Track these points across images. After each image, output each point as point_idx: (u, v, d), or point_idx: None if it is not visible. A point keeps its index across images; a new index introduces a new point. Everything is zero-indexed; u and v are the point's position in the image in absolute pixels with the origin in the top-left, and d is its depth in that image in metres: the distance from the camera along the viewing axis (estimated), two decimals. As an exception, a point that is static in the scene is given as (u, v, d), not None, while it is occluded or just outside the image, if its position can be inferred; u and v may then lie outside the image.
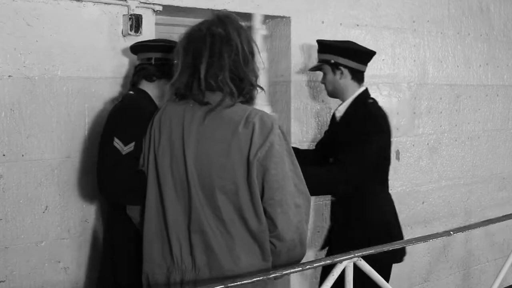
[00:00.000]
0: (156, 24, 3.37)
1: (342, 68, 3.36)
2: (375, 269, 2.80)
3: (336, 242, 3.42)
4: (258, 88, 2.46)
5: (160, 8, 3.32)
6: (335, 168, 3.23)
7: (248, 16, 3.83)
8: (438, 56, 4.87)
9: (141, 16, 3.19)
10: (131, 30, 3.16)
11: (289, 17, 3.85)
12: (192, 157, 2.35)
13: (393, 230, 3.40)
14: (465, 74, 5.11)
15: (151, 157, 2.46)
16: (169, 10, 3.44)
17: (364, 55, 3.44)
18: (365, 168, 3.22)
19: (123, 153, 2.70)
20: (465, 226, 3.89)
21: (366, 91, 3.43)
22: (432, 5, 4.78)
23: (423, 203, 4.67)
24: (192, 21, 3.82)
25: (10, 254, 2.92)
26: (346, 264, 2.67)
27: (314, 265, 2.62)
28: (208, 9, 3.49)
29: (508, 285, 5.60)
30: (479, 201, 5.35)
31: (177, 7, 3.40)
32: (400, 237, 3.41)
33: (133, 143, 2.70)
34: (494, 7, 5.30)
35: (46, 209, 3.01)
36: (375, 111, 3.35)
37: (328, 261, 2.66)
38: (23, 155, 2.93)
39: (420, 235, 3.75)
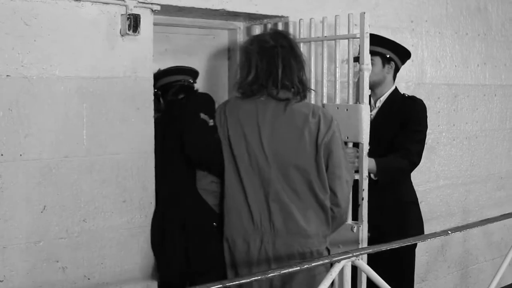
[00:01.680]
0: (154, 24, 3.37)
1: (392, 63, 3.69)
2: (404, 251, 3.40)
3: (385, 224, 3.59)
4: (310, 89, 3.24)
5: (158, 7, 3.31)
6: (404, 156, 3.56)
7: (246, 16, 3.84)
8: (436, 56, 4.88)
9: (139, 16, 3.19)
10: (129, 30, 3.16)
11: (287, 16, 3.85)
12: (267, 142, 2.97)
13: (419, 207, 3.88)
14: (463, 73, 5.12)
15: (224, 140, 3.06)
16: (167, 9, 3.44)
17: (407, 57, 3.79)
18: (421, 156, 3.68)
19: (209, 124, 3.22)
20: (463, 226, 3.90)
21: (397, 88, 3.78)
22: (430, 4, 4.79)
23: (421, 202, 4.65)
24: (191, 21, 3.85)
25: (8, 254, 2.92)
26: (344, 263, 2.68)
27: (312, 264, 2.63)
28: (207, 8, 3.49)
29: (506, 284, 5.61)
30: (477, 200, 5.36)
31: (175, 6, 3.40)
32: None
33: (213, 120, 3.21)
34: (492, 7, 5.30)
35: (44, 209, 3.01)
36: (423, 103, 3.73)
37: (327, 260, 2.66)
38: (21, 155, 2.93)
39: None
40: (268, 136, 2.98)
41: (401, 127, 3.62)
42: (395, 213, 3.65)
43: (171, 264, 3.34)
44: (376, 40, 3.59)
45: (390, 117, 3.68)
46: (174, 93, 3.66)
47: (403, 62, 3.81)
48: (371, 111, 3.70)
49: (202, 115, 3.27)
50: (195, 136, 3.24)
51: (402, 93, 3.80)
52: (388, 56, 3.68)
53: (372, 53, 3.53)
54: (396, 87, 3.78)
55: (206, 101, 3.40)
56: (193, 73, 3.82)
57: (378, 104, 3.74)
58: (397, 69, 3.77)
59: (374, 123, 3.59)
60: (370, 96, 3.70)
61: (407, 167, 3.63)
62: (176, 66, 3.77)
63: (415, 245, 3.78)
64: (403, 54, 3.78)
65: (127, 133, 3.24)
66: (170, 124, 3.41)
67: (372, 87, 3.66)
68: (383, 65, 3.68)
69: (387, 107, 3.71)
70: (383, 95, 3.73)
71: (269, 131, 2.98)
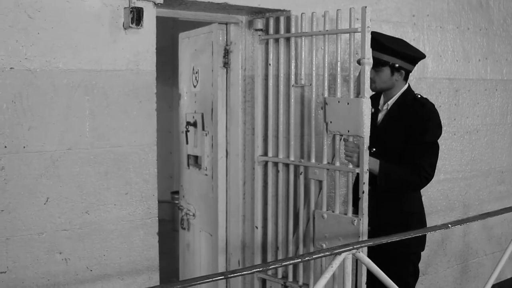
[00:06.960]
0: (157, 17, 3.38)
1: (402, 71, 3.57)
2: (410, 259, 3.62)
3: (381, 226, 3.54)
4: None
5: (161, 1, 3.32)
6: (415, 171, 3.46)
7: (248, 9, 3.85)
8: (437, 50, 4.88)
9: (142, 9, 3.20)
10: (132, 23, 3.17)
11: (289, 10, 3.86)
12: None
13: (423, 218, 3.74)
14: (464, 68, 5.13)
15: None
16: (170, 3, 3.45)
17: (417, 59, 3.65)
18: (434, 168, 3.53)
19: None
20: (463, 219, 3.91)
21: (409, 86, 3.67)
22: (431, -1, 4.79)
23: (422, 196, 4.69)
24: (193, 14, 3.86)
25: (12, 245, 2.94)
26: (345, 256, 2.70)
27: (314, 256, 2.64)
28: (209, 2, 3.50)
29: (505, 278, 5.63)
30: (477, 194, 5.38)
31: (178, 0, 3.41)
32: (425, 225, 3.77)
33: None
34: (494, 2, 5.31)
35: (47, 201, 3.03)
36: (433, 108, 3.59)
37: (327, 253, 2.68)
38: (24, 147, 2.95)
39: (418, 228, 3.77)
40: None
41: (408, 134, 3.49)
42: (394, 222, 3.54)
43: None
44: (382, 48, 3.50)
45: (396, 121, 3.57)
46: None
47: (414, 65, 3.66)
48: (379, 113, 3.66)
49: None
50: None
51: (415, 93, 3.65)
52: (397, 65, 3.53)
53: (381, 63, 3.49)
54: (409, 85, 3.65)
55: None
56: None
57: (386, 107, 3.64)
58: (409, 72, 3.63)
59: (380, 126, 3.59)
60: (382, 95, 3.67)
61: (417, 182, 3.51)
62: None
63: (415, 259, 3.74)
64: (413, 59, 3.61)
65: (129, 126, 3.26)
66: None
67: (381, 91, 3.63)
68: (392, 74, 3.54)
69: (395, 110, 3.61)
70: (393, 97, 3.61)
71: None
